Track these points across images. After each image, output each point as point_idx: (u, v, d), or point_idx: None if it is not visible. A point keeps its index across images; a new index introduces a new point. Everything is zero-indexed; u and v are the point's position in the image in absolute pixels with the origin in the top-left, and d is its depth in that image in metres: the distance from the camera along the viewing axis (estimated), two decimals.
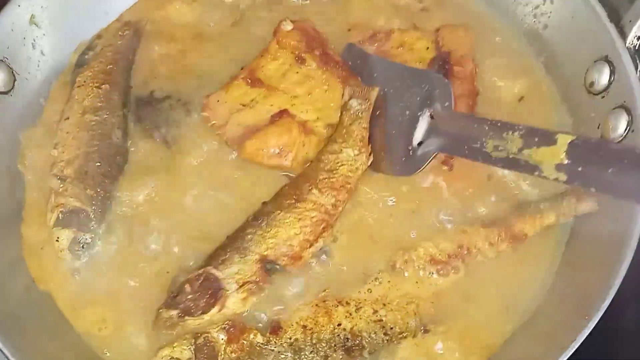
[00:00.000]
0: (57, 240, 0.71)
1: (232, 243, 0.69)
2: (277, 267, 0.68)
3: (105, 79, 0.79)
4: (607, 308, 0.62)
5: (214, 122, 0.75)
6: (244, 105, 0.75)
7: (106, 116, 0.76)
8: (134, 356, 0.68)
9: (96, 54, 0.82)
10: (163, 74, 0.82)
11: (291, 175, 0.74)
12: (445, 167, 0.75)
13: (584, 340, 0.61)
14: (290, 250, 0.68)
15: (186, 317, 0.65)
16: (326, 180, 0.71)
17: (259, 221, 0.69)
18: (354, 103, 0.75)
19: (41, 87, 0.81)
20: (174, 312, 0.65)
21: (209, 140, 0.76)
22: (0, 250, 0.71)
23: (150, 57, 0.83)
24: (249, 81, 0.76)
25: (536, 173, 0.61)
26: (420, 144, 0.73)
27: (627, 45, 0.73)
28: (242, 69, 0.79)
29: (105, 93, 0.78)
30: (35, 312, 0.69)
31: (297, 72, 0.77)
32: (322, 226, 0.69)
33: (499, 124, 0.65)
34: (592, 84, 0.76)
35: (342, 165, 0.72)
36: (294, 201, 0.69)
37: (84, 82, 0.79)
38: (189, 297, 0.65)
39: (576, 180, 0.59)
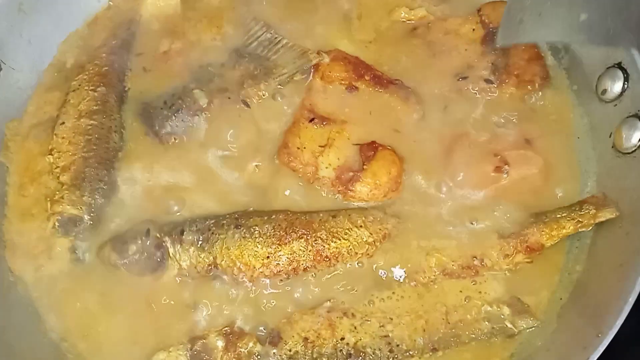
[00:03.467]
0: (54, 248, 0.69)
1: (200, 228, 0.67)
2: (222, 277, 0.67)
3: (100, 82, 0.76)
4: None
5: (300, 168, 0.72)
6: (322, 147, 0.72)
7: (103, 120, 0.74)
8: None
9: (91, 56, 0.80)
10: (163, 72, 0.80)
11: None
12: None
13: None
14: (244, 272, 0.66)
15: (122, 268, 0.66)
16: (320, 242, 0.67)
17: (235, 229, 0.67)
18: None
19: (28, 77, 0.78)
20: (114, 256, 0.66)
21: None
22: None
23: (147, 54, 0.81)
24: (315, 120, 0.74)
25: None
26: None
27: None
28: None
29: (101, 96, 0.76)
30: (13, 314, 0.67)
31: (355, 102, 0.76)
32: (280, 277, 0.67)
33: None
34: (604, 91, 0.75)
35: (347, 239, 0.68)
36: (277, 237, 0.67)
37: (79, 85, 0.76)
38: (134, 252, 0.66)
39: None
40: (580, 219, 0.68)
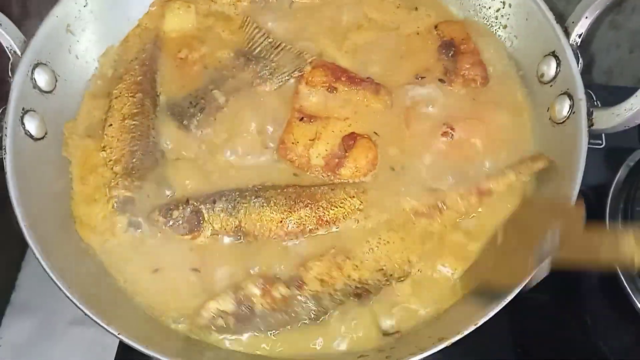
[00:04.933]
0: (116, 225, 0.84)
1: (228, 198, 0.83)
2: (241, 239, 0.84)
3: (137, 89, 0.91)
4: None
5: (296, 159, 0.88)
6: (312, 140, 0.88)
7: (142, 120, 0.89)
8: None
9: (126, 68, 0.95)
10: (185, 77, 0.95)
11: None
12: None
13: None
14: (262, 232, 0.83)
15: (166, 227, 0.82)
16: (322, 209, 0.83)
17: (255, 200, 0.83)
18: None
19: (77, 86, 0.94)
20: (161, 220, 0.82)
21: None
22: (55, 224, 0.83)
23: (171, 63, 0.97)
24: (304, 119, 0.89)
25: None
26: None
27: (570, 42, 0.87)
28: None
29: (139, 101, 0.90)
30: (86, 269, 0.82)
31: (335, 100, 0.91)
32: (291, 237, 0.83)
33: None
34: (542, 75, 0.91)
35: (342, 207, 0.84)
36: (288, 206, 0.83)
37: (120, 93, 0.91)
38: (177, 217, 0.82)
39: None
40: (520, 170, 0.86)
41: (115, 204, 0.84)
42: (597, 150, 0.84)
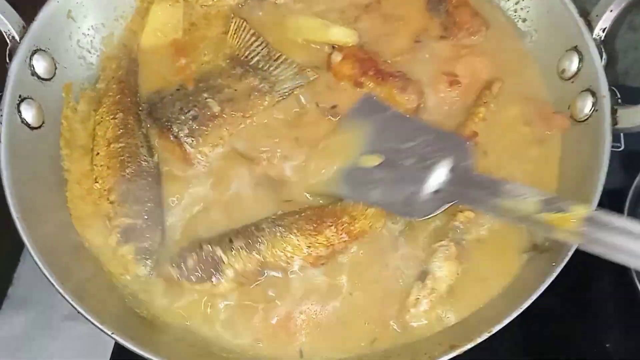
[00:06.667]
0: (123, 256, 0.80)
1: (245, 234, 0.78)
2: (272, 274, 0.78)
3: (117, 109, 0.87)
4: None
5: None
6: None
7: (129, 140, 0.84)
8: None
9: (104, 89, 0.90)
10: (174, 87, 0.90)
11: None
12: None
13: None
14: (290, 263, 0.78)
15: (183, 280, 0.77)
16: (347, 225, 0.78)
17: (275, 229, 0.78)
18: None
19: (76, 73, 0.90)
20: (175, 272, 0.77)
21: None
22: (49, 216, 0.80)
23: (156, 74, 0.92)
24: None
25: (549, 234, 0.67)
26: (436, 192, 0.76)
27: (593, 36, 0.84)
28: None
29: (121, 121, 0.86)
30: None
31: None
32: (321, 262, 0.78)
33: (517, 187, 0.69)
34: (563, 70, 0.88)
35: (365, 218, 0.79)
36: (312, 228, 0.77)
37: (102, 118, 0.87)
38: (193, 266, 0.76)
39: (590, 245, 0.63)
40: (483, 100, 0.87)
41: (119, 236, 0.80)
42: (616, 154, 0.83)
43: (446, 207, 0.75)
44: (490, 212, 0.74)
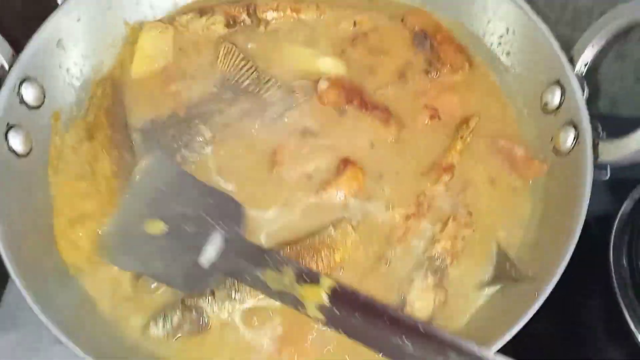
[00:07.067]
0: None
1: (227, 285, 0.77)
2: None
3: (110, 146, 0.86)
4: None
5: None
6: None
7: (127, 174, 0.82)
8: None
9: (92, 122, 0.89)
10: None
11: None
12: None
13: None
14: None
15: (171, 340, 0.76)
16: (326, 257, 0.79)
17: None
18: None
19: (65, 101, 0.91)
20: (161, 332, 0.76)
21: None
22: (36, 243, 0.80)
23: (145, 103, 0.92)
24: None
25: (301, 309, 0.64)
26: (214, 263, 0.71)
27: (575, 71, 0.85)
28: None
29: (116, 160, 0.85)
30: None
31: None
32: None
33: (277, 257, 0.68)
34: (546, 104, 0.89)
35: (344, 249, 0.80)
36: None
37: (97, 155, 0.86)
38: (177, 324, 0.75)
39: (333, 324, 0.62)
40: (460, 135, 0.89)
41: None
42: (603, 182, 0.82)
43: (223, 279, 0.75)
44: (255, 286, 0.69)
